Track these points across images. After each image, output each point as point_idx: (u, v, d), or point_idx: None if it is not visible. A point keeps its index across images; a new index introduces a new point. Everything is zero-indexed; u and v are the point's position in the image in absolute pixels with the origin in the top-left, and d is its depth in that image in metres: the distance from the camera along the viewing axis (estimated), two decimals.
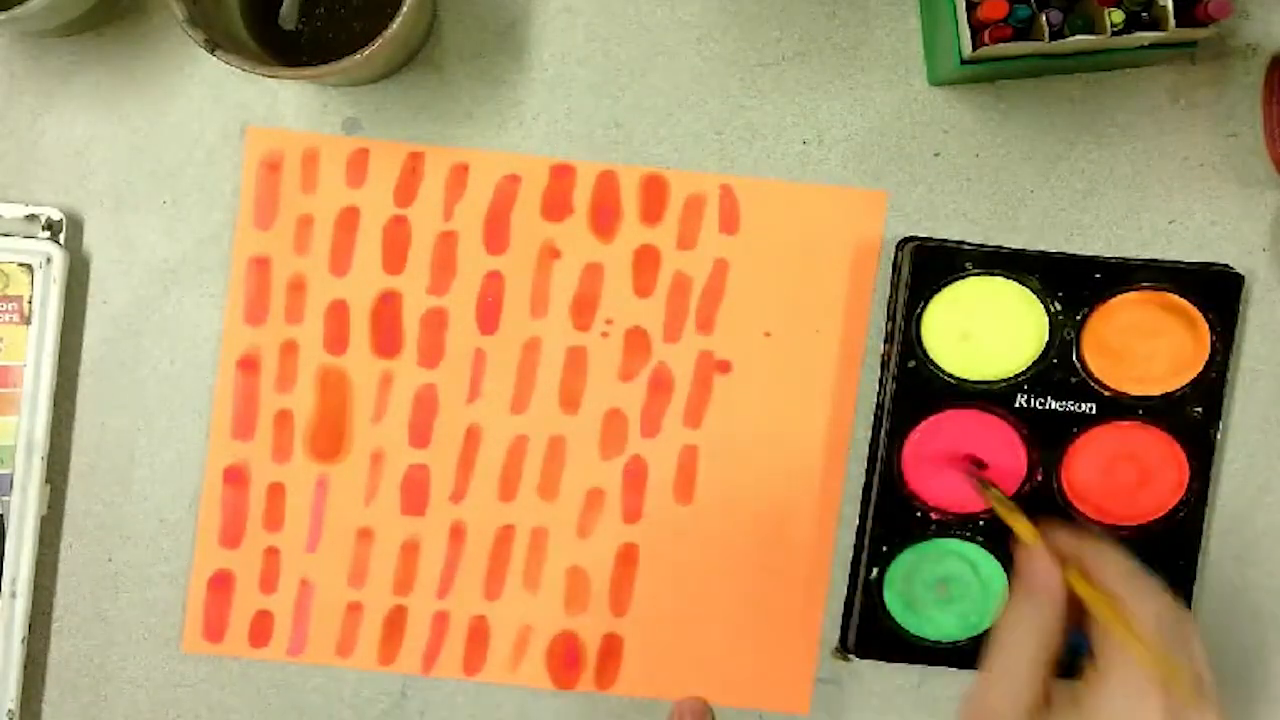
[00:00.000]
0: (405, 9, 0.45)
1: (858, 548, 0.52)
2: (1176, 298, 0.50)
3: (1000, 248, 0.51)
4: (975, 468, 0.51)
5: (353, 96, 0.52)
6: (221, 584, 0.53)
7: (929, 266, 0.51)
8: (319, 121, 0.52)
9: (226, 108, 0.52)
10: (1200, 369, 0.50)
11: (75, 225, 0.53)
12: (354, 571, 0.53)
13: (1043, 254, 0.51)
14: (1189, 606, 0.51)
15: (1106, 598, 0.42)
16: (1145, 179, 0.52)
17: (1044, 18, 0.46)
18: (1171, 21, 0.46)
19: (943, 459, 0.51)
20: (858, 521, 0.53)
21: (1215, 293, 0.50)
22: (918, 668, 0.53)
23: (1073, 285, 0.50)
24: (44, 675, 0.53)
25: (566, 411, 0.53)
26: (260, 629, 0.53)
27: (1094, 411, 0.51)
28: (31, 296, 0.51)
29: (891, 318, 0.52)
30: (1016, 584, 0.45)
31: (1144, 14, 0.47)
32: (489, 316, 0.53)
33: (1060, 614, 0.43)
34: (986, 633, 0.51)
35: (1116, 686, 0.40)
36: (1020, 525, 0.46)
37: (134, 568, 0.53)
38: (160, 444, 0.53)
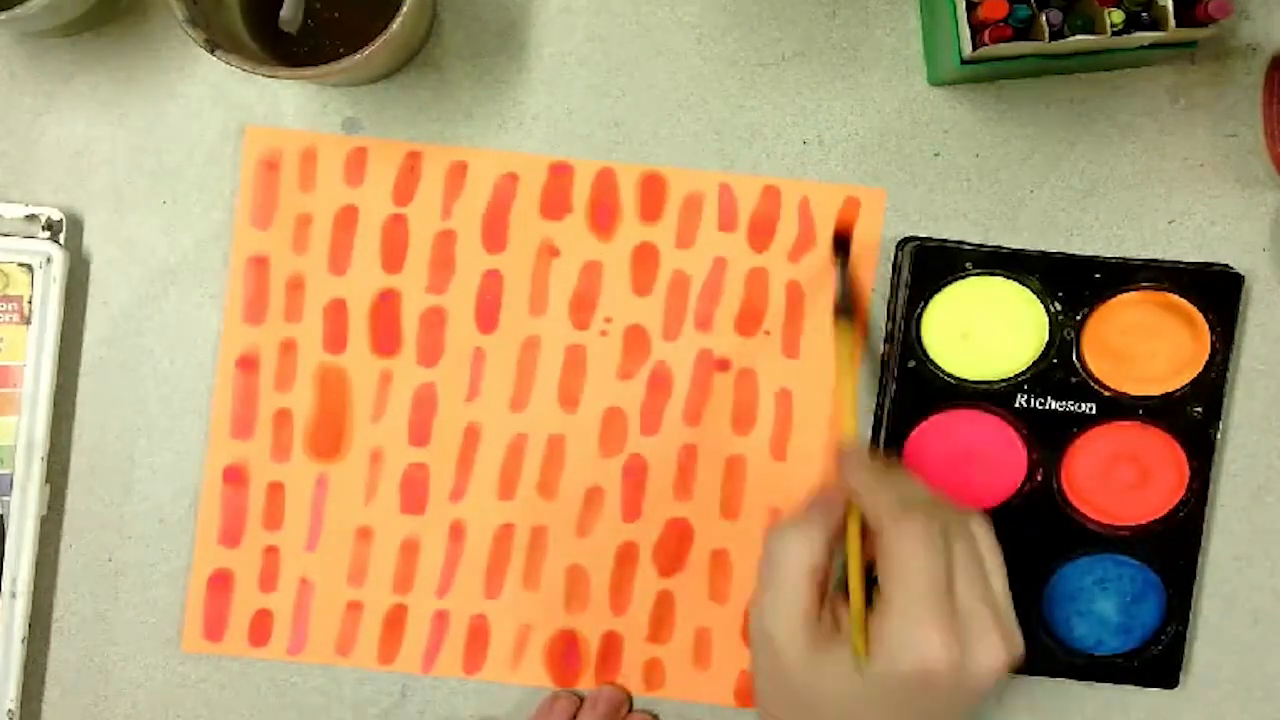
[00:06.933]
0: (405, 9, 0.45)
1: None
2: (1176, 298, 0.50)
3: (1000, 248, 0.51)
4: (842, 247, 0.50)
5: (353, 96, 0.52)
6: (221, 583, 0.53)
7: (929, 266, 0.50)
8: (319, 121, 0.52)
9: (226, 108, 0.53)
10: (1200, 369, 0.50)
11: (75, 225, 0.53)
12: (353, 570, 0.53)
13: (1043, 254, 0.51)
14: (1189, 606, 0.51)
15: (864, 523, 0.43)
16: (1145, 179, 0.52)
17: (1044, 18, 0.46)
18: (1171, 21, 0.46)
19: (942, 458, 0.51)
20: None
21: (1215, 293, 0.50)
22: None
23: (1073, 285, 0.50)
24: (44, 675, 0.54)
25: (566, 410, 0.53)
26: (260, 628, 0.53)
27: (1094, 411, 0.51)
28: (31, 296, 0.51)
29: (891, 318, 0.52)
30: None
31: (1144, 14, 0.46)
32: (488, 315, 0.53)
33: (834, 525, 0.43)
34: None
35: (897, 616, 0.40)
36: (846, 414, 0.46)
37: (134, 568, 0.53)
38: (160, 444, 0.53)
